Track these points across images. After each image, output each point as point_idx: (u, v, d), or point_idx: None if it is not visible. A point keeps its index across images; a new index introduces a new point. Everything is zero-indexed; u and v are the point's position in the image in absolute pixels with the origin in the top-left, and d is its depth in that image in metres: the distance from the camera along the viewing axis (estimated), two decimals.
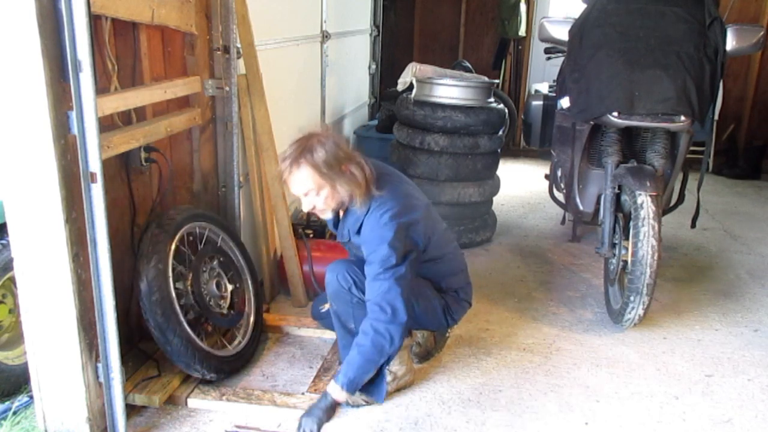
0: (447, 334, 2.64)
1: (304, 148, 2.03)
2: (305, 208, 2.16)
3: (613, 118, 2.76)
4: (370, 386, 2.20)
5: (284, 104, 3.33)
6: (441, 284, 2.40)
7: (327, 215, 2.22)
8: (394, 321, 2.05)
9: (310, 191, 2.07)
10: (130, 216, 2.29)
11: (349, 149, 2.11)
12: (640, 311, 2.76)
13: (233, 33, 2.59)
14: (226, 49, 2.59)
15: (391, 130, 4.16)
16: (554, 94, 3.79)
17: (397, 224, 2.09)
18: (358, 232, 2.17)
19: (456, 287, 2.44)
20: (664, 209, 3.07)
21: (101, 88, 1.96)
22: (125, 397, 2.02)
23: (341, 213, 2.25)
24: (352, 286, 2.23)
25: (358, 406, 2.30)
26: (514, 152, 6.52)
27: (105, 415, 1.98)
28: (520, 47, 6.66)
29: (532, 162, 6.34)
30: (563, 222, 4.39)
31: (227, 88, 2.63)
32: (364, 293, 2.20)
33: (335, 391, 2.04)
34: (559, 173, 3.64)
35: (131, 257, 2.27)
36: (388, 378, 2.35)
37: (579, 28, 2.94)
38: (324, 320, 2.56)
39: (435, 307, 2.37)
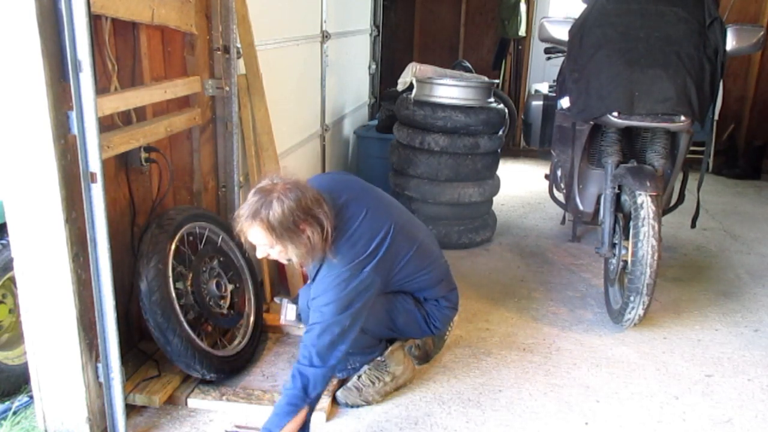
0: (445, 336, 2.64)
1: (262, 204, 1.92)
2: (259, 256, 2.08)
3: (613, 118, 2.76)
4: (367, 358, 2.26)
5: (284, 104, 3.33)
6: (420, 296, 2.40)
7: (283, 261, 2.17)
8: (315, 365, 2.01)
9: (264, 245, 2.01)
10: (130, 216, 2.29)
11: (313, 203, 1.97)
12: (640, 311, 2.76)
13: (233, 33, 2.59)
14: (226, 49, 2.59)
15: (391, 130, 4.16)
16: (554, 94, 3.79)
17: (349, 270, 2.03)
18: (314, 277, 2.13)
19: (436, 297, 2.41)
20: (664, 209, 3.07)
21: (101, 88, 1.96)
22: (125, 397, 2.02)
23: (303, 263, 2.20)
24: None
25: (357, 406, 2.30)
26: (514, 152, 6.52)
27: (105, 415, 1.98)
28: (520, 47, 6.66)
29: (532, 162, 6.34)
30: (563, 222, 4.39)
31: (227, 88, 2.63)
32: None
33: None
34: (559, 173, 3.64)
35: (131, 257, 2.27)
36: (387, 378, 2.36)
37: (579, 28, 2.94)
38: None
39: (416, 318, 2.38)
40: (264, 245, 2.01)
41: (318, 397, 2.06)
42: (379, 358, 2.39)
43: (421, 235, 2.35)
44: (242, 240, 2.04)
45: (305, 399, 2.00)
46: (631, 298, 2.74)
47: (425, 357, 2.58)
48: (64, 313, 1.87)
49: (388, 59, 6.23)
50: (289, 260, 2.13)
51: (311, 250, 1.99)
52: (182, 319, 2.19)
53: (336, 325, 2.02)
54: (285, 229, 1.93)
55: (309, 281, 2.28)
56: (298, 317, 2.18)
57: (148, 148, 2.26)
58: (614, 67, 2.73)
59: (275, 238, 1.94)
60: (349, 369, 2.40)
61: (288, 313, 2.22)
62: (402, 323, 2.36)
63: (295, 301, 2.34)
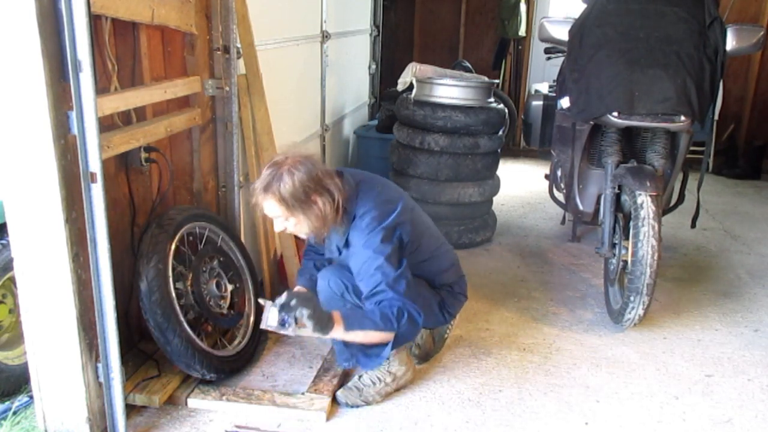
0: (445, 335, 2.64)
1: (273, 177, 2.02)
2: (276, 229, 2.19)
3: (613, 118, 2.76)
4: (364, 357, 2.24)
5: (284, 104, 3.33)
6: (435, 281, 2.42)
7: (302, 236, 2.24)
8: (412, 307, 2.11)
9: (279, 217, 2.11)
10: (130, 216, 2.29)
11: (323, 175, 2.06)
12: (640, 311, 2.76)
13: (233, 33, 2.59)
14: (226, 49, 2.59)
15: (391, 130, 4.16)
16: (554, 94, 3.79)
17: (384, 229, 2.11)
18: (347, 245, 2.18)
19: (450, 282, 2.46)
20: (664, 209, 3.07)
21: (101, 88, 1.96)
22: (125, 397, 2.02)
23: (317, 236, 2.24)
24: (345, 292, 2.25)
25: (357, 406, 2.30)
26: (514, 152, 6.52)
27: (105, 415, 1.98)
28: (520, 47, 6.66)
29: (532, 162, 6.34)
30: (563, 222, 4.39)
31: (227, 88, 2.63)
32: (357, 297, 2.22)
33: (337, 318, 2.05)
34: (559, 173, 3.64)
35: (131, 257, 2.27)
36: (388, 379, 2.36)
37: (579, 28, 2.94)
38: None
39: (431, 304, 2.39)
40: (279, 217, 2.10)
41: (402, 335, 2.14)
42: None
43: (428, 219, 2.45)
44: (259, 214, 2.14)
45: (392, 325, 2.08)
46: (631, 298, 2.74)
47: (425, 356, 2.58)
48: (64, 313, 1.87)
49: (388, 59, 6.23)
50: (307, 234, 2.19)
51: (325, 221, 2.08)
52: (182, 319, 2.19)
53: (401, 278, 2.12)
54: (296, 201, 2.02)
55: (332, 257, 2.32)
56: (282, 322, 2.01)
57: (148, 148, 2.26)
58: (614, 67, 2.73)
59: (288, 209, 2.04)
60: (353, 361, 2.36)
61: (270, 318, 2.03)
62: None
63: (280, 303, 2.05)
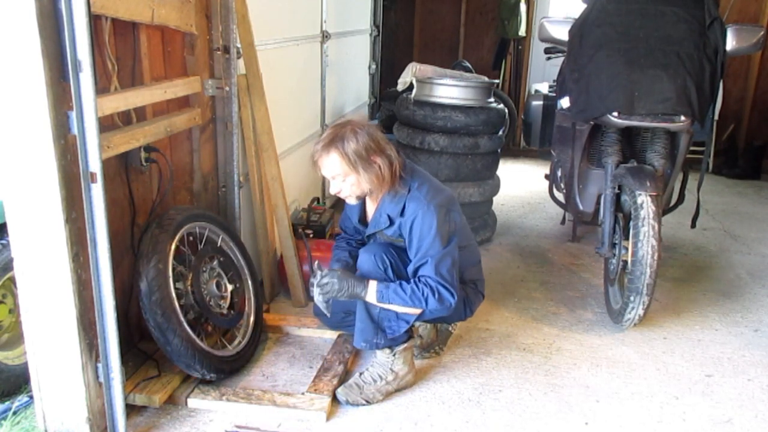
0: (451, 329, 2.65)
1: (336, 135, 2.14)
2: (332, 191, 2.27)
3: (613, 118, 2.76)
4: (392, 320, 2.27)
5: (284, 104, 3.33)
6: (464, 275, 2.45)
7: (352, 201, 2.31)
8: (444, 288, 2.18)
9: (337, 176, 2.18)
10: (130, 216, 2.29)
11: (383, 141, 2.19)
12: (640, 311, 2.76)
13: (233, 33, 2.59)
14: (226, 49, 2.59)
15: (391, 130, 4.16)
16: (554, 94, 3.79)
17: (439, 206, 2.20)
18: (402, 213, 2.24)
19: (475, 279, 2.52)
20: (664, 209, 3.07)
21: (101, 88, 1.96)
22: (125, 397, 2.02)
23: (371, 201, 2.35)
24: (389, 268, 2.28)
25: (357, 405, 2.30)
26: (514, 152, 6.52)
27: (105, 415, 1.98)
28: (520, 47, 6.66)
29: (532, 162, 6.34)
30: (563, 222, 4.39)
31: (227, 88, 2.63)
32: (398, 276, 2.28)
33: (372, 287, 2.20)
34: (559, 173, 3.64)
35: (131, 257, 2.27)
36: (390, 377, 2.36)
37: (579, 28, 2.94)
38: (324, 318, 2.57)
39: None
40: (338, 175, 2.18)
41: (431, 312, 2.22)
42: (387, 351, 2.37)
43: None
44: (318, 173, 2.24)
45: (422, 302, 2.18)
46: (631, 298, 2.74)
47: (427, 347, 2.62)
48: (64, 313, 1.87)
49: (388, 59, 6.23)
50: (358, 198, 2.28)
51: (382, 182, 2.18)
52: (182, 319, 2.19)
53: (448, 255, 2.20)
54: (359, 158, 2.12)
55: (374, 233, 2.39)
56: (326, 305, 2.25)
57: (148, 148, 2.26)
58: (614, 67, 2.73)
59: (349, 165, 2.13)
60: (372, 342, 2.33)
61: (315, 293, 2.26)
62: None
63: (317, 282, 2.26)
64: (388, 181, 2.19)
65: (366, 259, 2.31)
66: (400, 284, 2.20)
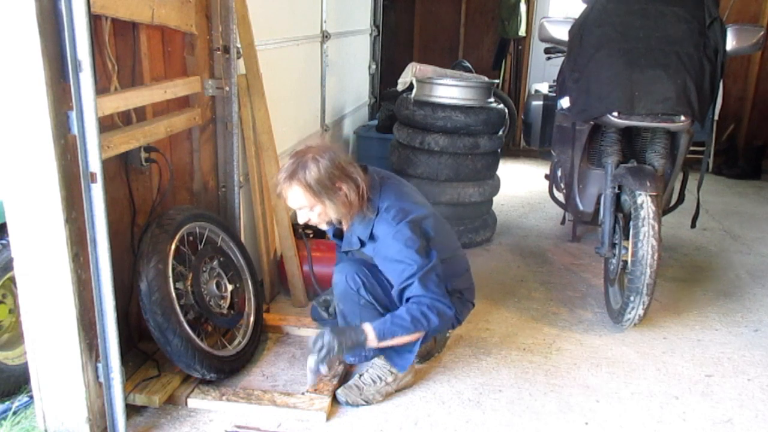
0: (447, 335, 2.64)
1: (298, 164, 2.05)
2: (300, 221, 2.19)
3: (613, 118, 2.76)
4: (395, 355, 2.22)
5: (284, 104, 3.33)
6: (447, 286, 2.39)
7: (323, 227, 2.25)
8: (441, 302, 2.11)
9: (304, 207, 2.11)
10: (130, 216, 2.29)
11: (346, 164, 2.11)
12: (640, 311, 2.76)
13: (233, 33, 2.59)
14: (226, 49, 2.59)
15: (391, 130, 4.16)
16: (554, 94, 3.79)
17: (409, 223, 2.13)
18: (371, 237, 2.17)
19: (461, 288, 2.44)
20: (664, 209, 3.07)
21: (101, 88, 1.96)
22: (125, 397, 2.02)
23: (343, 222, 2.26)
24: (361, 288, 2.24)
25: (357, 405, 2.30)
26: (514, 152, 6.52)
27: (105, 415, 1.98)
28: (520, 47, 6.66)
29: (532, 162, 6.34)
30: (563, 222, 4.39)
31: (227, 88, 2.63)
32: (372, 295, 2.23)
33: (369, 330, 2.07)
34: (559, 173, 3.64)
35: (131, 257, 2.27)
36: (389, 379, 2.36)
37: (579, 28, 2.94)
38: (323, 321, 2.57)
39: None
40: (304, 207, 2.11)
41: (434, 331, 2.14)
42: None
43: (446, 223, 2.45)
44: (283, 204, 2.15)
45: (424, 325, 2.08)
46: (631, 298, 2.74)
47: (426, 355, 2.59)
48: (64, 313, 1.87)
49: (388, 59, 6.23)
50: (329, 224, 2.21)
51: (349, 208, 2.10)
52: (182, 319, 2.19)
53: (431, 271, 2.11)
54: (323, 187, 2.04)
55: (348, 250, 2.33)
56: (321, 367, 2.06)
57: (148, 148, 2.26)
58: (614, 67, 2.73)
59: (314, 196, 2.06)
60: (362, 356, 2.37)
61: (310, 378, 2.11)
62: None
63: (314, 362, 2.08)
64: (357, 206, 2.12)
65: (338, 281, 2.29)
66: (394, 315, 2.10)
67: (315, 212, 2.12)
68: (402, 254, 2.10)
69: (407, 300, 2.13)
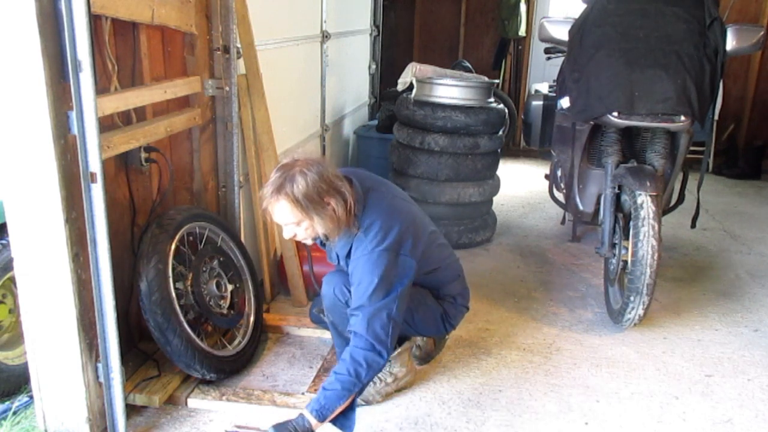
0: (446, 337, 2.64)
1: (285, 178, 1.94)
2: (286, 236, 2.10)
3: (613, 118, 2.76)
4: (341, 417, 2.08)
5: (284, 104, 3.33)
6: (439, 292, 2.40)
7: (308, 242, 2.17)
8: (373, 350, 1.99)
9: (290, 223, 2.02)
10: (130, 216, 2.29)
11: (334, 177, 2.01)
12: (640, 311, 2.76)
13: (233, 33, 2.59)
14: (226, 49, 2.59)
15: (391, 130, 4.16)
16: (554, 94, 3.79)
17: (384, 251, 2.03)
18: (348, 255, 2.12)
19: (454, 293, 2.42)
20: (664, 209, 3.07)
21: (101, 88, 1.96)
22: (125, 397, 2.02)
23: (330, 238, 2.20)
24: (350, 299, 2.20)
25: (357, 405, 2.30)
26: (514, 152, 6.52)
27: (105, 415, 1.98)
28: (520, 47, 6.66)
29: (532, 162, 6.34)
30: (563, 222, 4.39)
31: (227, 88, 2.63)
32: None
33: (307, 414, 1.96)
34: (559, 173, 3.64)
35: (131, 257, 2.27)
36: (389, 379, 2.36)
37: (579, 28, 2.94)
38: (322, 324, 2.57)
39: (434, 314, 2.37)
40: (291, 223, 2.01)
41: (368, 383, 2.04)
42: None
43: (435, 228, 2.38)
44: (268, 219, 2.03)
45: (358, 384, 1.98)
46: (631, 298, 2.74)
47: (426, 357, 2.58)
48: (64, 313, 1.87)
49: (388, 59, 6.23)
50: (314, 239, 2.13)
51: (338, 223, 2.00)
52: (182, 319, 2.19)
53: (383, 309, 2.01)
54: (310, 202, 1.94)
55: (336, 265, 2.27)
56: None
57: (148, 148, 2.26)
58: (614, 67, 2.73)
59: (301, 211, 1.95)
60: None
61: None
62: (420, 318, 2.32)
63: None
64: (344, 221, 2.01)
65: (327, 293, 2.25)
66: (324, 389, 1.98)
67: (302, 227, 2.02)
68: (364, 282, 2.02)
69: (348, 331, 2.07)
